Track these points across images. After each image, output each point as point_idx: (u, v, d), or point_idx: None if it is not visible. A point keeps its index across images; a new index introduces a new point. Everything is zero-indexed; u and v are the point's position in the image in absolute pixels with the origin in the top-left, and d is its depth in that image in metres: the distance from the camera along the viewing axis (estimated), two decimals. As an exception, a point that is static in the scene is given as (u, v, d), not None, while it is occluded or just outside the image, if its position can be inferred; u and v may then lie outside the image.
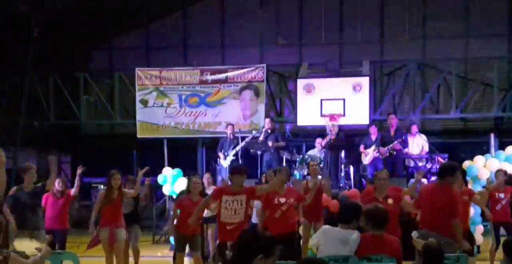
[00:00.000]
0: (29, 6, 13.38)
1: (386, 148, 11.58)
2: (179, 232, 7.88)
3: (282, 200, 7.45)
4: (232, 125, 12.84)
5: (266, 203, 7.51)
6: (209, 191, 9.19)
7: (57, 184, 8.96)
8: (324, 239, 5.18)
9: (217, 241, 6.94)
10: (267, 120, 12.62)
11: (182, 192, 9.12)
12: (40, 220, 7.89)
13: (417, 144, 12.02)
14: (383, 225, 5.07)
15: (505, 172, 9.09)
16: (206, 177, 10.03)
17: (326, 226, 5.38)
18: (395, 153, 11.61)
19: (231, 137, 12.54)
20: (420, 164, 11.88)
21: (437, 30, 15.89)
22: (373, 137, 11.97)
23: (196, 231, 7.83)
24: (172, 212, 8.48)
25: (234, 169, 7.02)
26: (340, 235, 5.09)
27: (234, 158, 12.25)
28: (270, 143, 12.14)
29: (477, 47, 15.70)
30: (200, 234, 8.14)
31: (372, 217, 5.05)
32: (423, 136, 12.25)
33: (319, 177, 9.25)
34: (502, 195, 8.71)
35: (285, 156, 12.38)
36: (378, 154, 11.77)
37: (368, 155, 11.87)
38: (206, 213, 8.74)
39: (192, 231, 7.68)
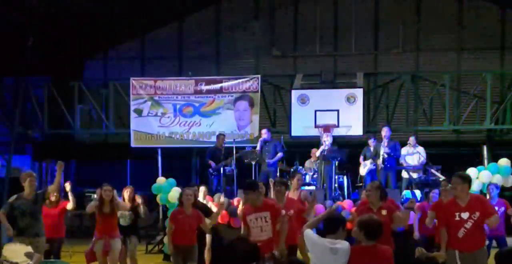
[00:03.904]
0: (24, 15, 13.41)
1: (379, 159, 11.66)
2: (175, 244, 7.72)
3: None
4: (224, 135, 12.77)
5: None
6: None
7: (51, 195, 8.94)
8: (314, 251, 5.20)
9: None
10: (264, 130, 12.61)
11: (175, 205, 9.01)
12: (41, 227, 7.74)
13: (415, 155, 12.06)
14: (377, 236, 5.08)
15: (496, 186, 9.21)
16: (202, 190, 9.90)
17: (315, 239, 5.37)
18: (388, 165, 11.68)
19: (220, 147, 12.43)
20: (414, 175, 11.92)
21: (430, 43, 16.06)
22: (372, 149, 12.04)
23: (193, 242, 7.75)
24: (167, 227, 8.28)
25: (243, 187, 6.94)
26: (329, 245, 5.11)
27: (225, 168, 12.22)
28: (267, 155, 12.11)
29: (470, 60, 15.87)
30: (197, 245, 8.08)
31: (366, 227, 5.07)
32: (421, 148, 12.26)
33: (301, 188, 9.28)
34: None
35: (279, 166, 12.39)
36: (374, 166, 11.87)
37: (366, 167, 11.96)
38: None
39: (189, 242, 7.64)
